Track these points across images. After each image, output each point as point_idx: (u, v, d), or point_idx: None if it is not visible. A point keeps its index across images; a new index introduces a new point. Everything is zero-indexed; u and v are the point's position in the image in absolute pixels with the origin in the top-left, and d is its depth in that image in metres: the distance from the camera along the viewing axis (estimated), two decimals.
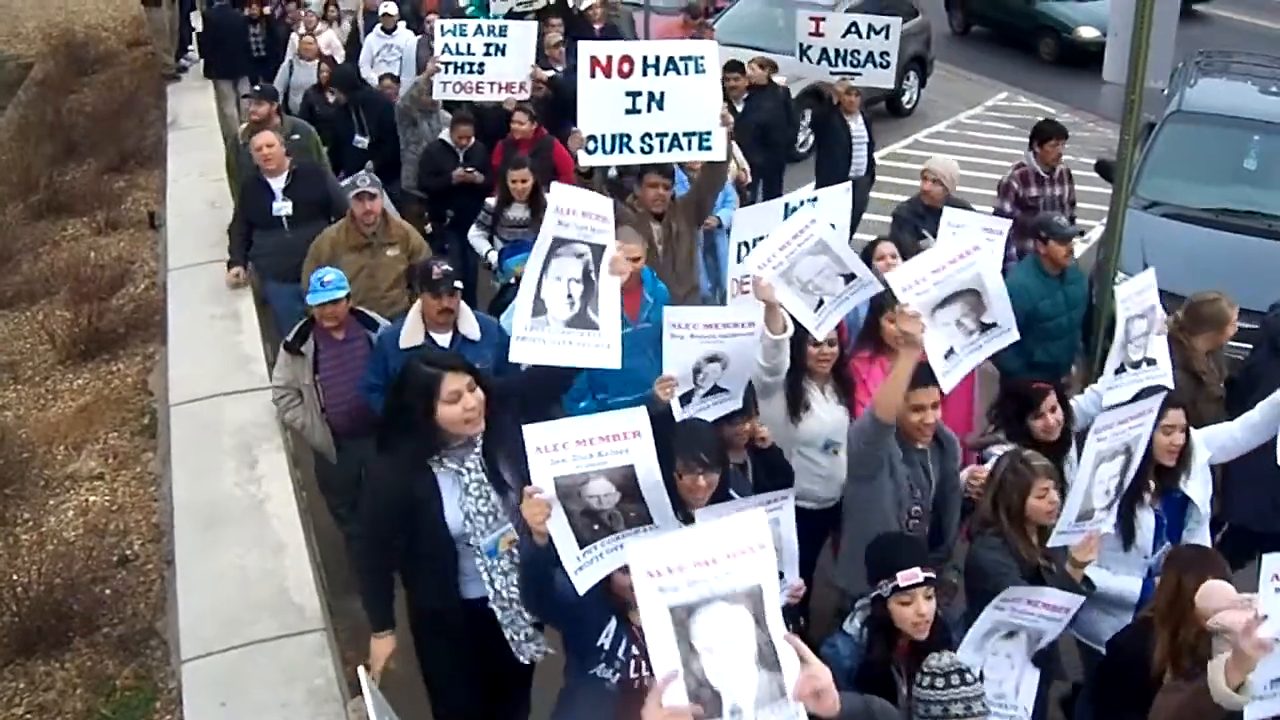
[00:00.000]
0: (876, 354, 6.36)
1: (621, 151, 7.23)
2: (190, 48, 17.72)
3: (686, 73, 7.11)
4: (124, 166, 14.61)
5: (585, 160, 7.23)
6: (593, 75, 7.05)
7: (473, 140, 10.34)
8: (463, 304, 6.54)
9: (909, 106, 17.55)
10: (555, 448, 4.02)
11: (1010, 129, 16.91)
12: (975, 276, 5.08)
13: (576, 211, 4.92)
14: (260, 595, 5.94)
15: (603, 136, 7.14)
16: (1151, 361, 6.13)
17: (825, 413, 6.10)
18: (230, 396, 7.75)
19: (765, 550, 3.04)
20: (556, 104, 11.02)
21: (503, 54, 10.44)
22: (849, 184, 7.36)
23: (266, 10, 15.86)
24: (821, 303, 5.82)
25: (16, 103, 19.83)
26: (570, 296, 4.90)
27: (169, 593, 6.56)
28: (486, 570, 4.77)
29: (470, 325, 6.49)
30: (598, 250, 4.96)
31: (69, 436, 8.56)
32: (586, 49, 7.11)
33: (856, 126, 11.03)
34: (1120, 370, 6.11)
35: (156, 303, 10.16)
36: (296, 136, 10.13)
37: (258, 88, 10.64)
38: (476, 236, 9.30)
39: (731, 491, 5.17)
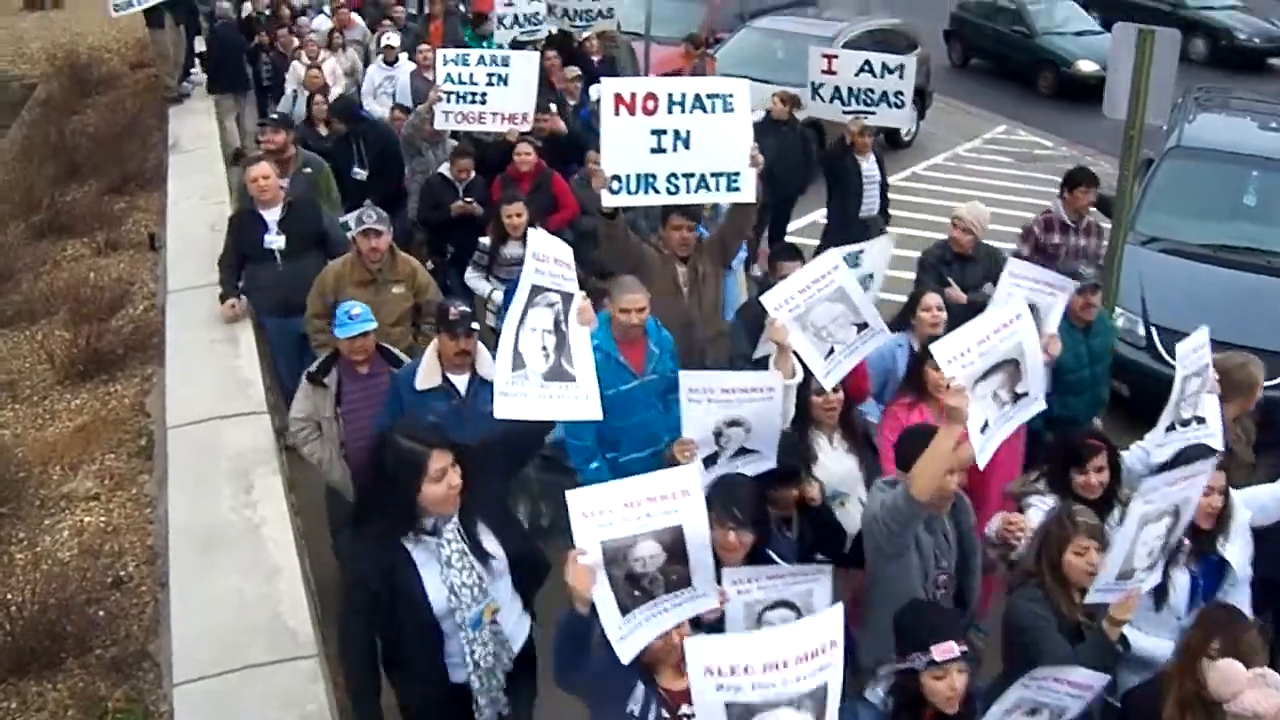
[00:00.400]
0: (917, 401, 6.20)
1: (646, 192, 7.00)
2: (193, 71, 17.80)
3: (714, 111, 6.92)
4: (125, 188, 14.63)
5: (609, 200, 7.01)
6: (617, 113, 6.85)
7: (473, 174, 10.25)
8: (479, 345, 6.42)
9: (907, 139, 17.61)
10: (602, 512, 3.96)
11: (1009, 162, 17.00)
12: (1016, 346, 5.01)
13: (550, 258, 4.91)
14: (254, 620, 5.91)
15: (627, 176, 6.93)
16: (1201, 420, 6.02)
17: (833, 463, 5.97)
18: (228, 420, 7.74)
19: (836, 648, 3.02)
20: (565, 141, 11.26)
21: (505, 84, 10.40)
22: (893, 236, 7.20)
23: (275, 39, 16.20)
24: (832, 351, 5.76)
25: (20, 122, 19.91)
26: (545, 348, 4.87)
27: (163, 615, 6.54)
28: (468, 643, 4.65)
29: (488, 366, 6.24)
30: (568, 299, 4.93)
31: (66, 456, 8.55)
32: (611, 85, 6.93)
33: (868, 166, 10.90)
34: (1171, 428, 6.00)
35: (155, 324, 10.15)
36: (308, 170, 9.93)
37: (274, 115, 10.45)
38: (474, 277, 9.17)
39: (770, 553, 5.07)
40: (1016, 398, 5.10)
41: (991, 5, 23.81)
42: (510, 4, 14.27)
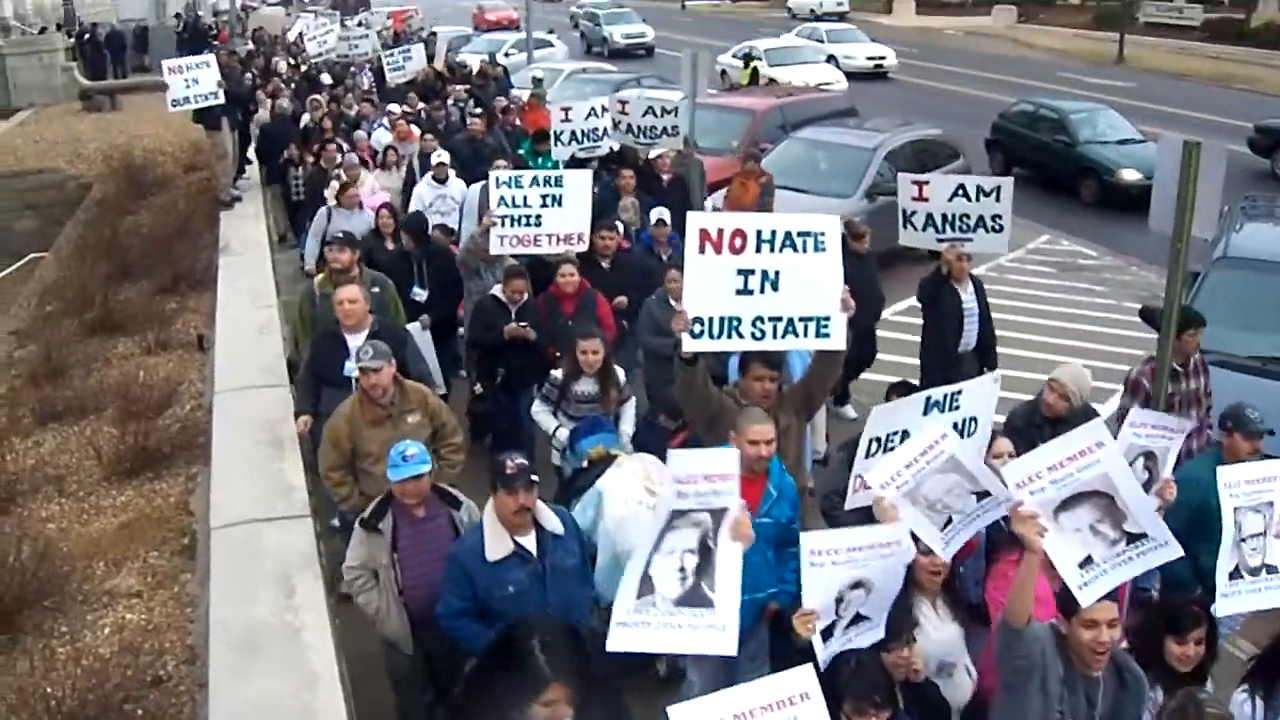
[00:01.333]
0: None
1: (730, 336, 6.44)
2: (245, 175, 18.26)
3: (804, 250, 6.36)
4: (176, 288, 14.92)
5: (690, 345, 6.44)
6: (701, 250, 6.30)
7: (525, 295, 9.77)
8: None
9: None
10: None
11: (1051, 272, 16.98)
12: (1101, 477, 4.82)
13: (698, 478, 4.69)
14: None
15: (709, 319, 6.37)
16: (1273, 569, 5.59)
17: (937, 631, 5.62)
18: (271, 522, 7.75)
19: (811, 702, 2.96)
20: (633, 270, 10.75)
21: (559, 205, 10.25)
22: (997, 375, 6.64)
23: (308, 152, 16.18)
24: (949, 520, 5.30)
25: (76, 221, 20.40)
26: (683, 569, 4.64)
27: (200, 717, 6.50)
28: None
29: (551, 519, 5.93)
30: (719, 515, 4.70)
31: (109, 553, 8.60)
32: (696, 221, 6.38)
33: (967, 296, 10.28)
34: (1235, 575, 5.55)
35: (202, 424, 10.24)
36: (375, 289, 9.31)
37: (339, 234, 9.88)
38: (541, 411, 8.56)
39: None
40: (1132, 538, 4.90)
41: (1033, 114, 23.85)
42: (568, 120, 13.95)
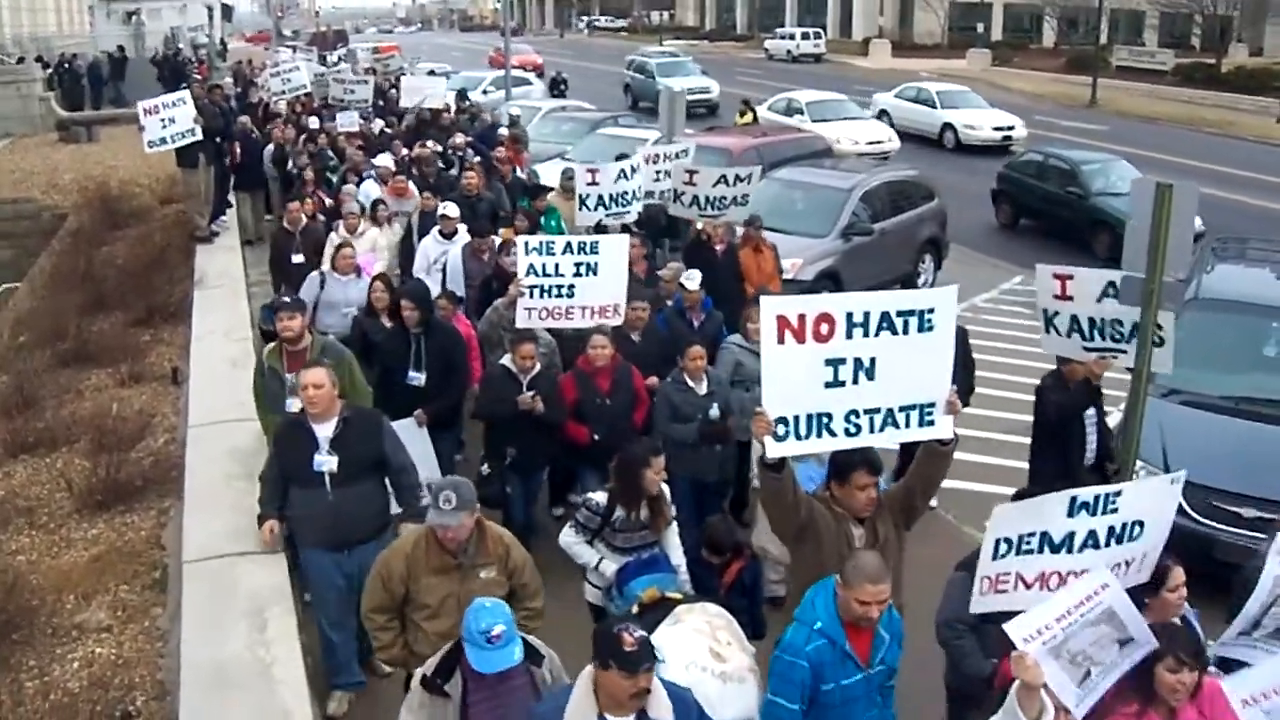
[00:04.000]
0: (1145, 708, 5.16)
1: (820, 435, 5.76)
2: (223, 217, 18.28)
3: (906, 332, 5.72)
4: (150, 321, 14.84)
5: (775, 450, 5.70)
6: (780, 340, 5.58)
7: (536, 363, 8.91)
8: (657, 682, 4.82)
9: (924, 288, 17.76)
10: None
11: (1026, 313, 17.06)
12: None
13: None
14: None
15: (795, 418, 5.69)
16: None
17: None
18: (244, 557, 7.71)
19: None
20: (665, 341, 9.85)
21: (594, 273, 9.53)
22: (1179, 475, 5.64)
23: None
24: (1088, 674, 4.94)
25: (50, 251, 20.31)
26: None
27: None
28: None
29: (662, 707, 4.75)
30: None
31: (79, 586, 8.50)
32: (772, 307, 5.62)
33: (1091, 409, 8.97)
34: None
35: (175, 458, 10.18)
36: (326, 362, 7.72)
37: (285, 298, 8.84)
38: (574, 541, 7.15)
39: None
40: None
41: (1042, 164, 23.28)
42: (595, 183, 12.82)
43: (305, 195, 14.66)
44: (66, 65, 41.63)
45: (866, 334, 5.67)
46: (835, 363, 5.67)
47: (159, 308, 15.10)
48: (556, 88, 41.64)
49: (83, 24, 65.18)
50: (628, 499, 6.99)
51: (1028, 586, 5.38)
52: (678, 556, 7.12)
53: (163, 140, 15.83)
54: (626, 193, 12.91)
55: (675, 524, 7.26)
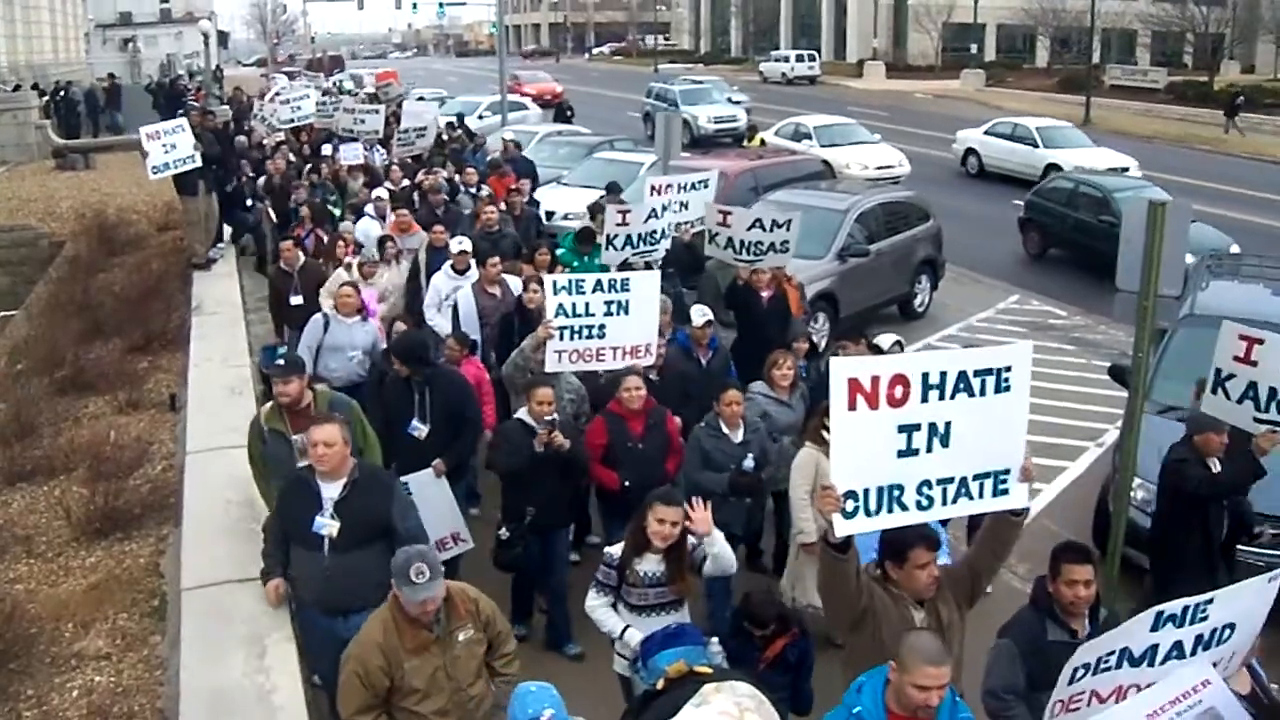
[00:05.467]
0: None
1: (891, 510, 5.31)
2: (221, 244, 18.29)
3: (983, 393, 5.34)
4: (148, 348, 14.88)
5: (844, 528, 5.25)
6: (852, 406, 5.17)
7: (555, 412, 8.25)
8: None
9: (920, 310, 17.80)
10: None
11: (1022, 332, 17.10)
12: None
13: None
14: None
15: (865, 491, 5.26)
16: None
17: None
18: (243, 584, 7.69)
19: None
20: (684, 381, 9.55)
21: (626, 312, 9.10)
22: (1270, 575, 5.17)
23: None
24: None
25: (47, 279, 20.35)
26: None
27: None
28: None
29: None
30: None
31: (78, 614, 8.50)
32: (843, 370, 5.21)
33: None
34: None
35: (173, 485, 10.19)
36: (338, 417, 7.23)
37: (278, 361, 8.09)
38: (599, 606, 6.65)
39: None
40: None
41: (1072, 191, 22.29)
42: (624, 224, 12.26)
43: (299, 238, 14.14)
44: (62, 93, 41.76)
45: (942, 396, 5.29)
46: (909, 429, 5.28)
47: (156, 334, 15.16)
48: (562, 114, 40.31)
49: (79, 51, 65.39)
50: (631, 546, 6.59)
51: (1102, 701, 5.04)
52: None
53: (165, 165, 16.00)
54: (655, 231, 12.52)
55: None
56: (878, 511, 5.27)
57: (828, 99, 52.48)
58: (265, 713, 6.44)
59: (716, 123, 39.03)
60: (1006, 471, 5.44)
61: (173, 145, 15.93)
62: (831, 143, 29.80)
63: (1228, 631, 5.04)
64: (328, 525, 6.50)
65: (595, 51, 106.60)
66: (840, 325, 14.79)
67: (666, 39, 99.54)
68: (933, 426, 5.27)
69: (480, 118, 34.84)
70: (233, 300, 15.59)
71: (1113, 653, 4.90)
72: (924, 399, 5.23)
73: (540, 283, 10.19)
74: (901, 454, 5.26)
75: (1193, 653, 4.95)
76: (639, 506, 6.73)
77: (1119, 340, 15.81)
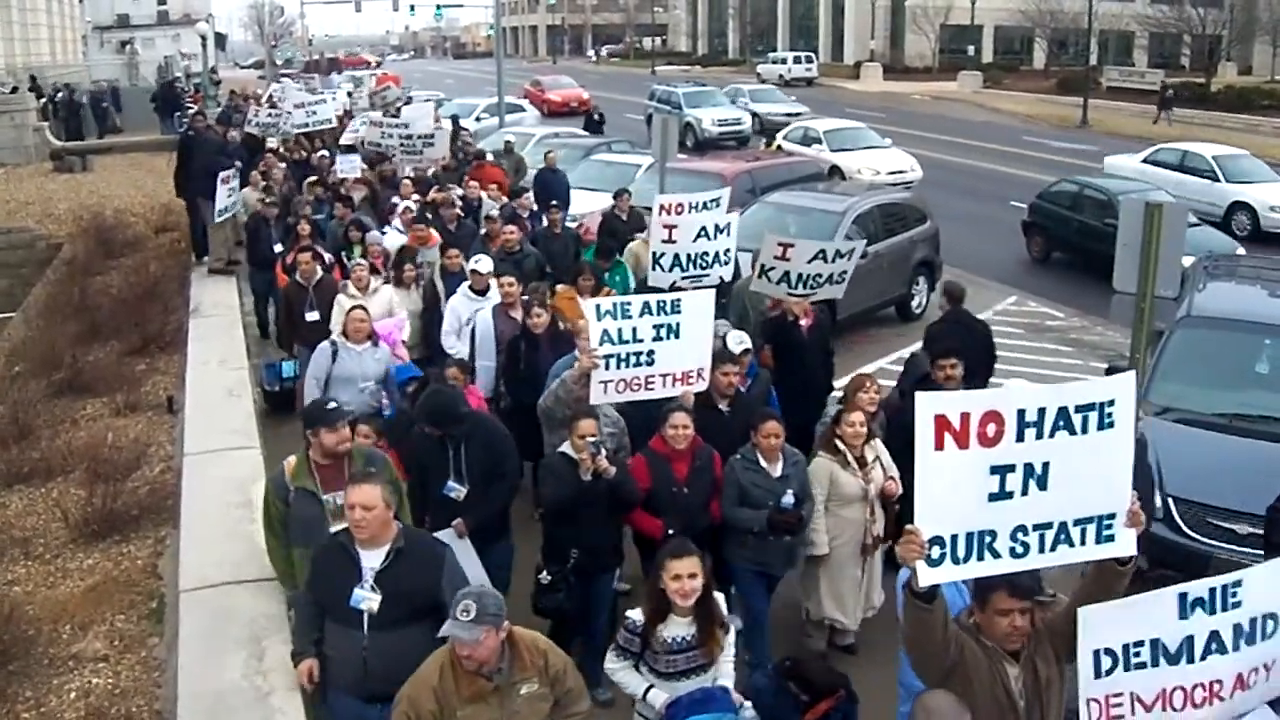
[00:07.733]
0: None
1: (981, 557, 4.87)
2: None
3: (1085, 430, 4.88)
4: (145, 350, 14.89)
5: (928, 577, 4.80)
6: (940, 446, 4.74)
7: (598, 439, 7.55)
8: None
9: (918, 311, 17.77)
10: None
11: (1020, 333, 17.10)
12: None
13: None
14: None
15: (953, 537, 4.82)
16: None
17: None
18: (241, 585, 7.68)
19: None
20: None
21: (676, 336, 8.35)
22: None
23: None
24: None
25: (45, 281, 20.35)
26: None
27: None
28: None
29: None
30: None
31: (76, 616, 8.50)
32: (930, 406, 4.77)
33: None
34: None
35: (171, 487, 10.18)
36: (374, 472, 6.43)
37: (331, 405, 7.24)
38: (620, 669, 6.08)
39: None
40: None
41: (1077, 195, 22.03)
42: (671, 240, 11.42)
43: (303, 249, 12.76)
44: (60, 94, 41.70)
45: (1040, 435, 4.84)
46: (1003, 470, 4.82)
47: (154, 337, 15.17)
48: (592, 122, 36.52)
49: (76, 53, 65.31)
50: (653, 612, 5.92)
51: (1148, 709, 4.79)
52: (729, 679, 6.03)
53: (224, 210, 16.53)
54: (707, 254, 11.52)
55: (731, 642, 6.13)
56: (966, 559, 4.85)
57: (824, 100, 52.50)
58: (264, 714, 6.40)
59: (720, 125, 39.13)
60: (1112, 516, 4.99)
61: (232, 190, 16.60)
62: (842, 147, 29.44)
63: (1270, 624, 4.87)
64: (368, 598, 5.78)
65: (597, 50, 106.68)
66: (837, 327, 14.78)
67: (664, 41, 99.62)
68: (1029, 467, 4.84)
69: (478, 119, 34.83)
70: (230, 302, 15.58)
71: (1141, 643, 4.69)
72: (1019, 438, 4.81)
73: (544, 305, 9.96)
74: (994, 497, 4.84)
75: (1235, 647, 4.78)
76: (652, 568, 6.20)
77: (1116, 342, 15.81)
